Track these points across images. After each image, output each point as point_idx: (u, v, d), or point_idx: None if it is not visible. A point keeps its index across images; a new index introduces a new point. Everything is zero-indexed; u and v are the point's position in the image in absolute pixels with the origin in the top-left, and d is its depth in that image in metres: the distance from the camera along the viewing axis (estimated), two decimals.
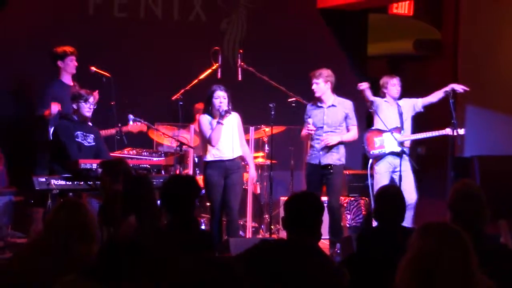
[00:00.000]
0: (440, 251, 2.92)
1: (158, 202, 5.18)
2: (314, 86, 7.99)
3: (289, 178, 9.03)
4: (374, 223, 8.01)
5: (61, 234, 3.82)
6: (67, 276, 3.22)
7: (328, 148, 7.93)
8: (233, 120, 7.66)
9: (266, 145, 8.75)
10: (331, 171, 7.91)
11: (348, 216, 9.01)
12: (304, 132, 8.05)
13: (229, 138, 7.58)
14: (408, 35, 10.77)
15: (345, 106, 8.05)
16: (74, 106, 7.44)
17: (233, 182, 7.54)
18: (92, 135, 7.49)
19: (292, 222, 4.06)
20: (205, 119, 7.58)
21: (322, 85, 7.97)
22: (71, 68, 8.19)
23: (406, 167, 8.28)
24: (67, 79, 8.23)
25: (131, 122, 8.11)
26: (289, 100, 8.47)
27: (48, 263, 3.72)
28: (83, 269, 3.22)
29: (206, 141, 7.59)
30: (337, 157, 7.95)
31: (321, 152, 7.94)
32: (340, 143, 7.96)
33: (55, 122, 7.78)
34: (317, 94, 8.00)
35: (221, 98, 7.49)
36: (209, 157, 7.57)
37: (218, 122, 7.47)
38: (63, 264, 3.66)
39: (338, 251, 7.72)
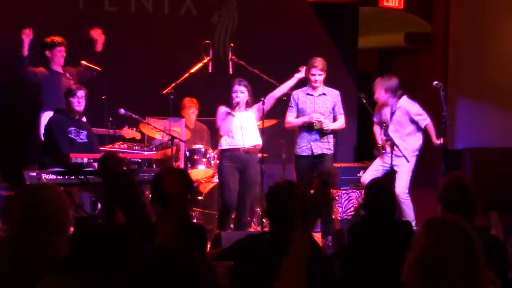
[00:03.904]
0: (445, 248, 2.89)
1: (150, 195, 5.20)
2: (317, 77, 7.99)
3: (280, 171, 9.03)
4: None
5: (16, 225, 3.48)
6: (50, 275, 3.02)
7: (320, 138, 7.97)
8: (251, 114, 7.90)
9: None
10: (323, 160, 7.97)
11: (339, 209, 9.03)
12: (311, 120, 7.97)
13: (246, 129, 7.81)
14: (398, 28, 10.76)
15: (334, 95, 8.13)
16: (66, 101, 7.47)
17: (251, 181, 7.80)
18: (85, 132, 7.52)
19: (275, 212, 4.07)
20: (221, 109, 7.88)
21: (323, 76, 8.01)
22: (59, 58, 8.21)
23: (399, 162, 8.33)
24: (56, 68, 8.24)
25: (126, 127, 8.18)
26: None
27: (9, 257, 3.38)
28: (58, 266, 3.02)
29: (217, 130, 7.91)
30: (328, 146, 8.04)
31: (312, 143, 7.98)
32: (330, 132, 8.04)
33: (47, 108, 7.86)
34: (316, 85, 8.02)
35: (238, 92, 7.77)
36: (224, 145, 7.84)
37: (228, 113, 7.73)
38: (25, 257, 3.35)
39: (330, 244, 7.74)
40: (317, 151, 8.01)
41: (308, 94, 8.11)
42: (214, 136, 9.18)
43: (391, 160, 8.22)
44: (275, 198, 4.14)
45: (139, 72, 9.37)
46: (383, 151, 8.54)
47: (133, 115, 8.02)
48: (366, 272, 4.39)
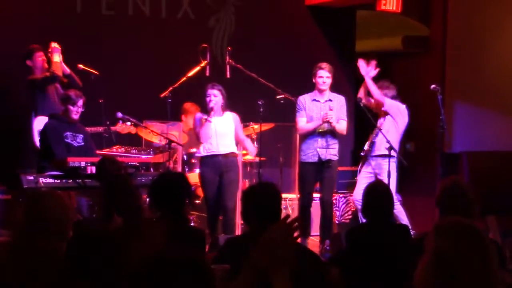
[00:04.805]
0: (460, 250, 2.88)
1: (147, 199, 5.20)
2: (325, 79, 7.97)
3: (278, 175, 9.03)
4: (363, 220, 8.06)
5: (21, 231, 3.55)
6: (48, 279, 3.04)
7: (327, 144, 7.92)
8: (229, 118, 7.79)
9: (255, 142, 8.73)
10: (330, 165, 7.94)
11: (337, 213, 9.03)
12: (324, 118, 7.92)
13: (221, 134, 7.73)
14: (396, 32, 10.75)
15: (339, 101, 8.09)
16: (63, 107, 7.46)
17: (228, 181, 7.70)
18: (81, 135, 7.51)
19: (253, 213, 4.08)
20: (197, 116, 7.85)
21: (330, 80, 7.99)
22: (40, 64, 8.18)
23: (380, 170, 8.27)
24: (41, 75, 8.22)
25: (120, 123, 8.15)
26: (278, 97, 8.48)
27: (13, 262, 3.42)
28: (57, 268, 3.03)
29: (197, 138, 7.85)
30: (334, 152, 7.99)
31: (318, 149, 7.93)
32: (334, 134, 7.99)
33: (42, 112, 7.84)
34: (324, 87, 7.98)
35: (211, 96, 7.69)
36: (202, 152, 7.78)
37: (206, 119, 7.63)
38: (28, 262, 3.38)
39: (328, 248, 7.74)
40: (325, 157, 7.95)
41: (314, 100, 8.05)
42: None
43: (389, 164, 8.19)
44: (249, 199, 4.16)
45: (136, 75, 9.36)
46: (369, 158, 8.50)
47: (130, 119, 8.02)
48: (365, 276, 4.39)
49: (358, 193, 8.28)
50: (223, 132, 7.75)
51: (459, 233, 2.93)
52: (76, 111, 7.43)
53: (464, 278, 2.84)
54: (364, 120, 8.81)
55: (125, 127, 8.22)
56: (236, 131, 7.86)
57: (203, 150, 7.78)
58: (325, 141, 7.94)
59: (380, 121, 8.46)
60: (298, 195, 8.17)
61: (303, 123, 8.06)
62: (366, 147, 8.45)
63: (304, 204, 7.99)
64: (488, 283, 2.86)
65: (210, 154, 7.72)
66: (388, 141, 8.13)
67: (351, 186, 9.16)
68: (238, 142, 7.95)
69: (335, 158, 8.02)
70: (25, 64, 8.16)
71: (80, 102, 7.43)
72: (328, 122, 7.90)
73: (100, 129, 8.17)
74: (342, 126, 8.10)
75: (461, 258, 2.86)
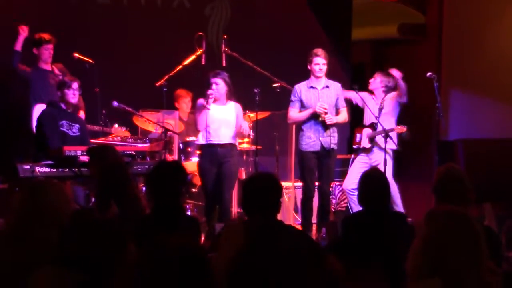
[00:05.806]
0: (449, 237, 2.90)
1: (143, 188, 5.20)
2: (321, 66, 7.87)
3: (274, 164, 9.03)
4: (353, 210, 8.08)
5: (17, 219, 3.57)
6: (41, 268, 3.03)
7: (329, 132, 7.88)
8: (231, 108, 7.69)
9: (251, 131, 8.73)
10: (331, 155, 7.92)
11: (333, 201, 9.03)
12: (315, 110, 7.84)
13: (222, 123, 7.62)
14: (392, 20, 10.75)
15: (336, 88, 8.03)
16: (59, 94, 7.43)
17: (227, 172, 7.60)
18: (78, 125, 7.49)
19: (255, 206, 4.10)
20: (198, 102, 7.66)
21: (326, 67, 7.92)
22: (46, 56, 8.17)
23: (378, 160, 8.28)
24: (44, 65, 8.21)
25: (116, 126, 8.17)
26: (274, 85, 8.46)
27: (9, 251, 3.45)
28: (53, 257, 3.04)
29: (195, 124, 7.74)
30: (335, 141, 7.94)
31: (321, 138, 7.90)
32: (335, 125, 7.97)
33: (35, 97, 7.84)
34: (320, 74, 7.90)
35: (213, 84, 7.56)
36: (201, 140, 7.68)
37: (204, 106, 7.52)
38: (24, 251, 3.41)
39: (324, 236, 7.75)
40: (328, 146, 7.87)
41: (311, 87, 7.95)
42: None
43: (385, 153, 8.20)
44: (252, 192, 4.17)
45: (132, 64, 9.34)
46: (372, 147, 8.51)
47: (126, 108, 8.01)
48: (360, 264, 4.39)
49: (351, 183, 8.27)
50: (224, 122, 7.62)
51: (449, 220, 2.95)
52: (73, 94, 7.39)
53: (453, 264, 2.86)
54: (359, 108, 8.81)
55: (119, 130, 8.23)
56: (237, 121, 7.78)
57: (202, 138, 7.68)
58: (327, 129, 7.86)
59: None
60: (302, 185, 8.08)
61: (294, 113, 7.97)
62: (366, 143, 8.47)
63: (310, 195, 7.93)
64: (477, 270, 2.88)
65: (209, 143, 7.62)
66: (385, 129, 8.15)
67: (346, 174, 9.17)
68: (237, 132, 7.88)
69: (336, 147, 7.99)
70: (32, 51, 8.14)
71: (75, 85, 7.40)
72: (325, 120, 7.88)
73: (97, 128, 8.19)
74: (343, 116, 8.04)
75: (450, 244, 2.88)
